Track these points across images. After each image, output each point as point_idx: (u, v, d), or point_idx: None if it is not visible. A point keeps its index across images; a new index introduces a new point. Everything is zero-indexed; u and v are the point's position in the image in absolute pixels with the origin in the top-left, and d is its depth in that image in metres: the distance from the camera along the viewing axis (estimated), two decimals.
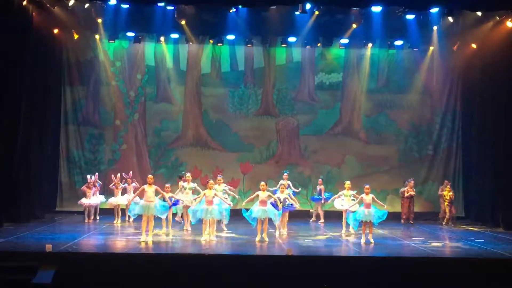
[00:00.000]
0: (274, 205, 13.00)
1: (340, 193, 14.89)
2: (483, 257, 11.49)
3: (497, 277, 10.62)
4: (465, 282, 10.53)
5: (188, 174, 14.72)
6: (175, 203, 13.86)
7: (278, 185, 14.78)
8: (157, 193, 12.73)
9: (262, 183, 13.18)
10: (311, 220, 17.29)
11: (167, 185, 13.64)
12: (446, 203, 16.83)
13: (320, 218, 17.02)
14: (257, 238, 12.77)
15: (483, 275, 10.61)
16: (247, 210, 12.97)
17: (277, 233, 13.90)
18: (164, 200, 13.04)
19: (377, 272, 10.63)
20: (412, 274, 10.61)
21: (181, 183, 14.54)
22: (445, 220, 16.81)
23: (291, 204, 13.87)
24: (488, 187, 16.86)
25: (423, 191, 18.74)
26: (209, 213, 12.71)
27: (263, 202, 12.76)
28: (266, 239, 12.79)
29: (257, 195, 12.92)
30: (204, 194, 12.85)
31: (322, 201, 16.88)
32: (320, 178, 17.42)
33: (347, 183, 14.75)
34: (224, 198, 13.55)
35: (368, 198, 12.90)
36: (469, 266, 10.82)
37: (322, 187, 17.06)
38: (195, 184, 14.75)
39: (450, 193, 16.84)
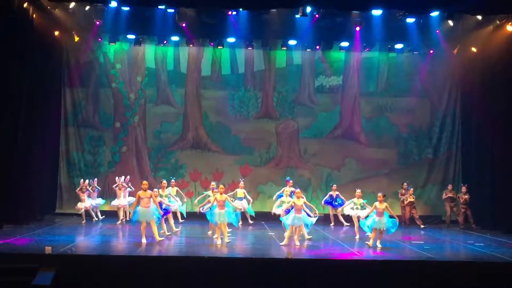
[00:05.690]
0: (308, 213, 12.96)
1: (349, 201, 14.70)
2: (482, 260, 11.47)
3: (496, 280, 10.62)
4: (465, 285, 10.53)
5: (164, 181, 14.83)
6: (166, 212, 13.84)
7: (282, 190, 14.65)
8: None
9: (298, 190, 12.99)
10: (331, 225, 16.93)
11: (172, 180, 15.72)
12: (461, 206, 16.93)
13: (331, 222, 16.97)
14: (284, 242, 12.65)
15: (483, 278, 10.61)
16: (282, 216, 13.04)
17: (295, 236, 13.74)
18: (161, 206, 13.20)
19: (377, 275, 10.62)
20: (412, 277, 10.59)
21: (159, 189, 14.47)
22: (461, 223, 16.89)
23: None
24: (488, 191, 16.85)
25: (422, 195, 18.75)
26: (221, 217, 12.72)
27: (298, 210, 12.68)
28: (298, 243, 12.74)
29: (293, 203, 12.78)
30: (215, 198, 12.84)
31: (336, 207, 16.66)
32: (332, 184, 17.11)
33: (358, 191, 14.48)
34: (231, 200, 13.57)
35: (381, 206, 12.68)
36: (469, 270, 10.81)
37: (337, 193, 16.71)
38: (170, 191, 15.14)
39: (466, 196, 16.86)
